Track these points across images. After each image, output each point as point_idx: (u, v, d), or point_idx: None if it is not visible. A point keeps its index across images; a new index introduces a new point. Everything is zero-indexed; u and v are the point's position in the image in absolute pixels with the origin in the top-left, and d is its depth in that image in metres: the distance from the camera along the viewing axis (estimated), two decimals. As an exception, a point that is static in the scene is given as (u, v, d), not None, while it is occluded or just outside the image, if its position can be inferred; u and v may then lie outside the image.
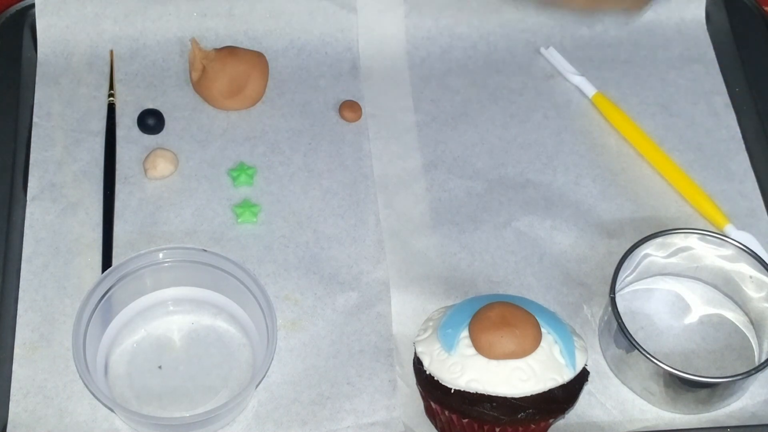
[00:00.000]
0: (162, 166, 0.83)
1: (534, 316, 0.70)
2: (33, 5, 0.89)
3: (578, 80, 0.89)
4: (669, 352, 0.77)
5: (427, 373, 0.71)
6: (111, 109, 0.86)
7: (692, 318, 0.79)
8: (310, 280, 0.79)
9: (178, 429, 0.72)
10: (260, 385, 0.74)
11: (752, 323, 0.78)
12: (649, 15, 0.93)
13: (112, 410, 0.73)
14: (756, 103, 0.88)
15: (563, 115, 0.88)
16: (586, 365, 0.72)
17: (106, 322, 0.75)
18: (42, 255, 0.79)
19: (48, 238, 0.80)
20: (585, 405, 0.74)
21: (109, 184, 0.82)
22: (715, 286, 0.79)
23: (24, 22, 0.89)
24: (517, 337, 0.69)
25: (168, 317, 0.77)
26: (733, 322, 0.78)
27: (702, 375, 0.73)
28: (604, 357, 0.77)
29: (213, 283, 0.76)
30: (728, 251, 0.77)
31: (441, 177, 0.84)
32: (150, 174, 0.83)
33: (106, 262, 0.78)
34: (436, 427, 0.73)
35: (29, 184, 0.82)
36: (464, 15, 0.91)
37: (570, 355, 0.70)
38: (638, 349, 0.72)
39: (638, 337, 0.74)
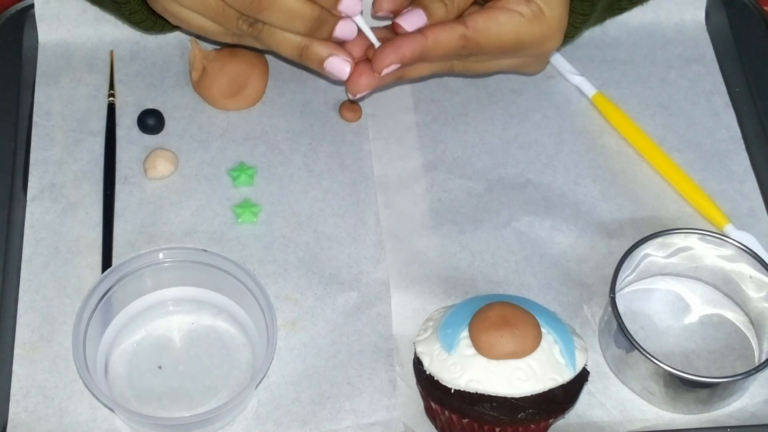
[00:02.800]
0: (162, 166, 0.83)
1: (534, 316, 0.70)
2: (33, 5, 0.89)
3: (578, 80, 0.89)
4: (669, 352, 0.77)
5: (427, 373, 0.71)
6: (111, 109, 0.86)
7: (692, 318, 0.79)
8: (310, 280, 0.79)
9: (178, 429, 0.72)
10: (260, 385, 0.74)
11: (752, 323, 0.78)
12: (649, 15, 0.93)
13: (112, 410, 0.73)
14: (756, 103, 0.88)
15: (563, 115, 0.88)
16: (586, 365, 0.72)
17: (106, 322, 0.75)
18: (42, 255, 0.79)
19: (48, 238, 0.80)
20: (585, 405, 0.74)
21: (109, 184, 0.82)
22: (715, 286, 0.79)
23: (24, 22, 0.89)
24: (517, 337, 0.69)
25: (168, 317, 0.77)
26: (733, 322, 0.78)
27: (702, 375, 0.73)
28: (604, 357, 0.77)
29: (213, 283, 0.76)
30: (728, 251, 0.77)
31: (441, 177, 0.84)
32: (150, 174, 0.83)
33: (106, 262, 0.78)
34: (436, 427, 0.73)
35: (29, 184, 0.82)
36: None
37: (570, 355, 0.70)
38: (638, 349, 0.72)
39: (638, 337, 0.74)
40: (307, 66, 0.77)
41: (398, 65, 0.75)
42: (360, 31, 0.76)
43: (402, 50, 0.74)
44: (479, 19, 0.76)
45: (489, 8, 0.77)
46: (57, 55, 0.89)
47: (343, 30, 0.75)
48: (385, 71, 0.75)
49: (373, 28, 0.77)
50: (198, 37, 0.85)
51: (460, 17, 0.78)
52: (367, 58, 0.77)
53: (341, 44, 0.77)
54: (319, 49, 0.76)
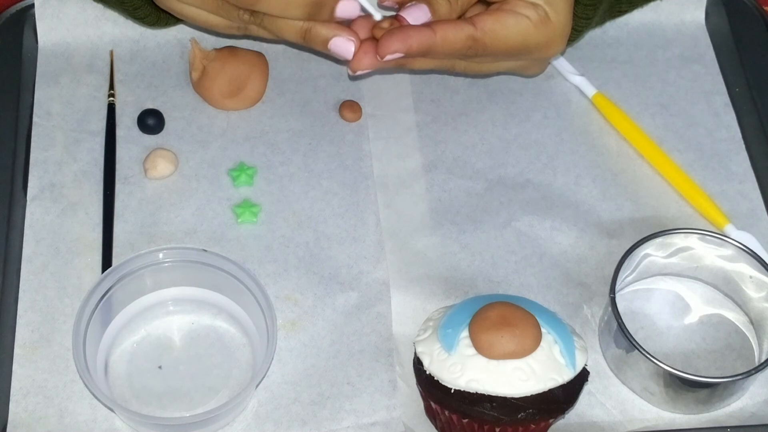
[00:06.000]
0: (162, 166, 0.83)
1: (534, 316, 0.70)
2: (33, 5, 0.89)
3: (578, 80, 0.89)
4: (669, 352, 0.77)
5: (427, 373, 0.71)
6: (111, 109, 0.86)
7: (692, 318, 0.79)
8: (310, 280, 0.79)
9: (178, 429, 0.72)
10: (260, 385, 0.74)
11: (752, 323, 0.78)
12: (649, 15, 0.93)
13: (112, 410, 0.73)
14: (756, 103, 0.88)
15: (563, 115, 0.88)
16: (586, 365, 0.72)
17: (106, 322, 0.75)
18: (42, 255, 0.79)
19: (48, 238, 0.80)
20: (585, 405, 0.74)
21: (109, 184, 0.82)
22: (715, 286, 0.79)
23: (24, 22, 0.89)
24: (517, 337, 0.69)
25: (168, 317, 0.77)
26: (733, 322, 0.78)
27: (702, 375, 0.73)
28: (604, 357, 0.77)
29: (213, 283, 0.76)
30: (728, 251, 0.77)
31: (441, 177, 0.84)
32: (150, 174, 0.83)
33: (106, 262, 0.78)
34: (436, 427, 0.73)
35: (29, 184, 0.82)
36: (464, 15, 0.91)
37: (570, 355, 0.70)
38: (638, 349, 0.72)
39: (638, 337, 0.74)
40: (313, 48, 0.77)
41: (402, 54, 0.75)
42: (365, 11, 0.76)
43: (409, 41, 0.75)
44: (488, 20, 0.76)
45: (497, 11, 0.77)
46: (57, 55, 0.89)
47: (344, 9, 0.75)
48: (388, 57, 0.75)
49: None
50: (207, 32, 0.85)
51: (464, 16, 0.78)
52: (373, 37, 0.77)
53: (348, 24, 0.77)
54: (323, 30, 0.76)
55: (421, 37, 0.75)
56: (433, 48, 0.75)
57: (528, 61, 0.81)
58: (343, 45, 0.76)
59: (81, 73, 0.88)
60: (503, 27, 0.76)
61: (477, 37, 0.76)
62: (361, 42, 0.76)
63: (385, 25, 0.76)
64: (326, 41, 0.76)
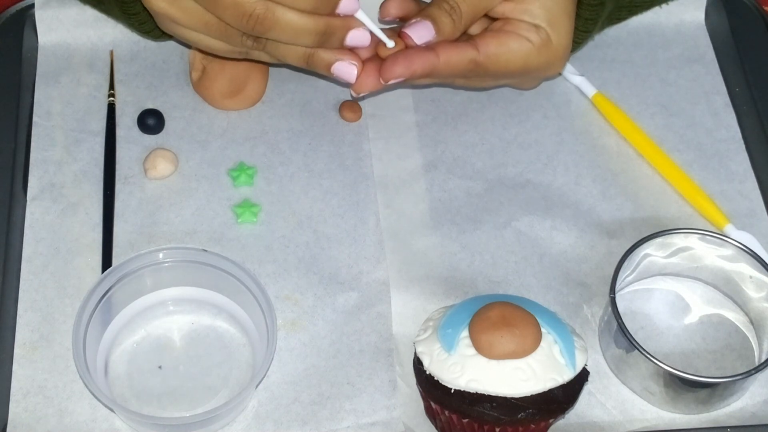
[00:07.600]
0: (162, 166, 0.83)
1: (534, 316, 0.70)
2: (33, 5, 0.89)
3: (578, 80, 0.89)
4: (669, 352, 0.77)
5: (427, 373, 0.71)
6: (111, 109, 0.86)
7: (692, 318, 0.79)
8: (310, 280, 0.79)
9: (178, 429, 0.72)
10: (260, 385, 0.74)
11: (752, 323, 0.78)
12: (649, 15, 0.93)
13: (112, 410, 0.73)
14: (756, 103, 0.88)
15: (563, 115, 0.88)
16: (586, 365, 0.72)
17: (106, 322, 0.75)
18: (42, 255, 0.79)
19: (48, 238, 0.80)
20: (585, 405, 0.74)
21: (109, 184, 0.82)
22: (715, 286, 0.79)
23: (24, 22, 0.89)
24: (517, 337, 0.69)
25: (168, 317, 0.77)
26: (733, 322, 0.78)
27: (702, 375, 0.73)
28: (604, 357, 0.77)
29: (213, 283, 0.76)
30: (728, 251, 0.77)
31: (441, 177, 0.84)
32: (150, 174, 0.83)
33: (106, 262, 0.78)
34: (436, 427, 0.73)
35: (29, 184, 0.82)
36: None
37: (570, 355, 0.70)
38: (638, 349, 0.72)
39: (638, 337, 0.74)
40: (316, 71, 0.77)
41: (405, 79, 0.76)
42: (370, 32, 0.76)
43: (413, 66, 0.75)
44: (491, 44, 0.77)
45: (500, 33, 0.77)
46: (57, 56, 0.89)
47: (355, 38, 0.75)
48: (391, 81, 0.76)
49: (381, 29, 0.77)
50: (207, 53, 0.85)
51: (468, 35, 0.79)
52: (375, 55, 0.77)
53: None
54: (325, 54, 0.76)
55: (424, 62, 0.75)
56: (435, 71, 0.76)
57: (526, 78, 0.82)
58: (346, 69, 0.76)
59: (81, 73, 0.88)
60: (505, 51, 0.77)
61: (479, 61, 0.76)
62: (364, 64, 0.76)
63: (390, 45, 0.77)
64: (329, 65, 0.76)
